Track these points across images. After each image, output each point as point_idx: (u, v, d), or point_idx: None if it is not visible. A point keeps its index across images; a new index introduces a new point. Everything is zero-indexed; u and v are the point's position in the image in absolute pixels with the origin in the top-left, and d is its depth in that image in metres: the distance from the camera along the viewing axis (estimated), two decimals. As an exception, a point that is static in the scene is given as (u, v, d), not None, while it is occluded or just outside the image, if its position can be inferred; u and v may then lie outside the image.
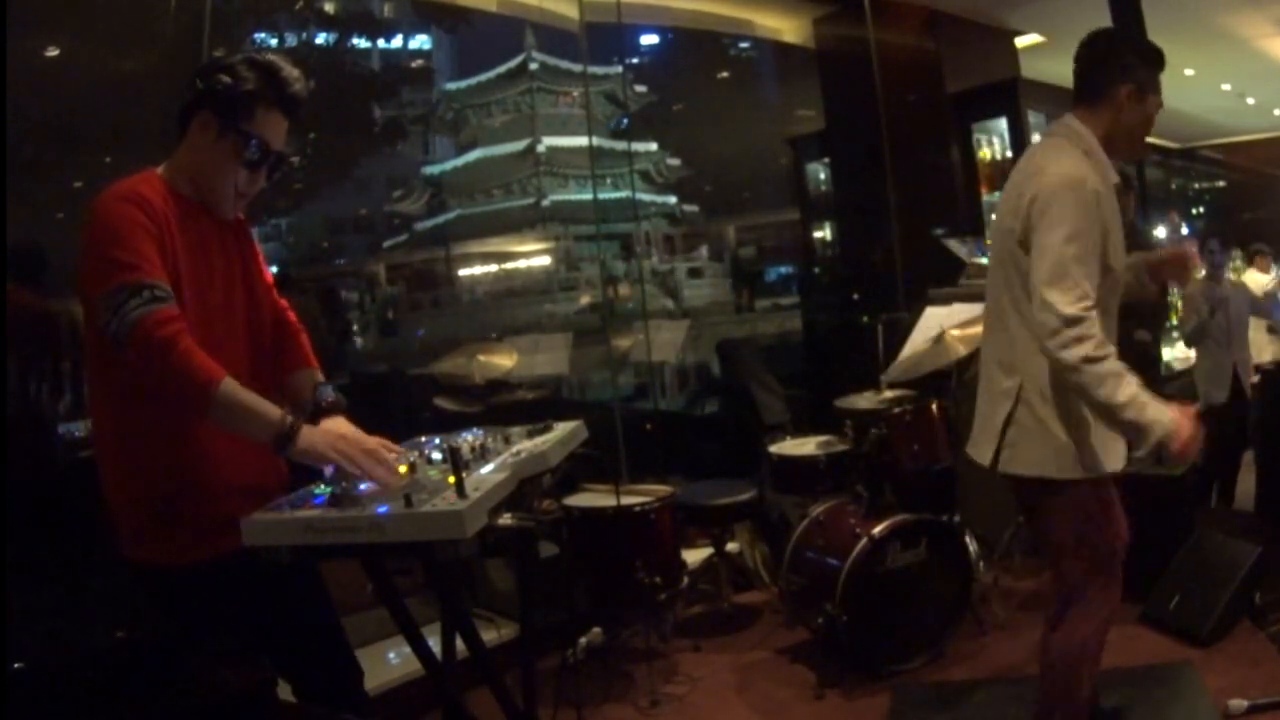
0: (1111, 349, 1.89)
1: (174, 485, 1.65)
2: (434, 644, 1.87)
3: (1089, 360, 1.85)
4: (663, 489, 3.16)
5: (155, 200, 1.63)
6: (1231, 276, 5.22)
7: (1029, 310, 1.97)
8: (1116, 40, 2.15)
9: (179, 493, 1.65)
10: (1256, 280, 5.90)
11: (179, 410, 1.61)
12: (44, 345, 3.22)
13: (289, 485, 1.81)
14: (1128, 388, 1.85)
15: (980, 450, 2.16)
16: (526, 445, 1.92)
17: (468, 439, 1.98)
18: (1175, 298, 6.88)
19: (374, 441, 1.71)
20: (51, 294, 3.36)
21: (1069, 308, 1.86)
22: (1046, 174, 2.00)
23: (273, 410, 1.60)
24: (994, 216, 2.28)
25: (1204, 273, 4.76)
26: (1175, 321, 6.73)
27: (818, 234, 6.30)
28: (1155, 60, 2.10)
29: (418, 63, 30.63)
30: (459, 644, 2.04)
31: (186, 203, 1.72)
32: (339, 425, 1.75)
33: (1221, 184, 12.30)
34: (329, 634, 1.89)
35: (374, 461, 1.65)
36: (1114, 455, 2.06)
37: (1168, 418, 1.84)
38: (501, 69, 30.86)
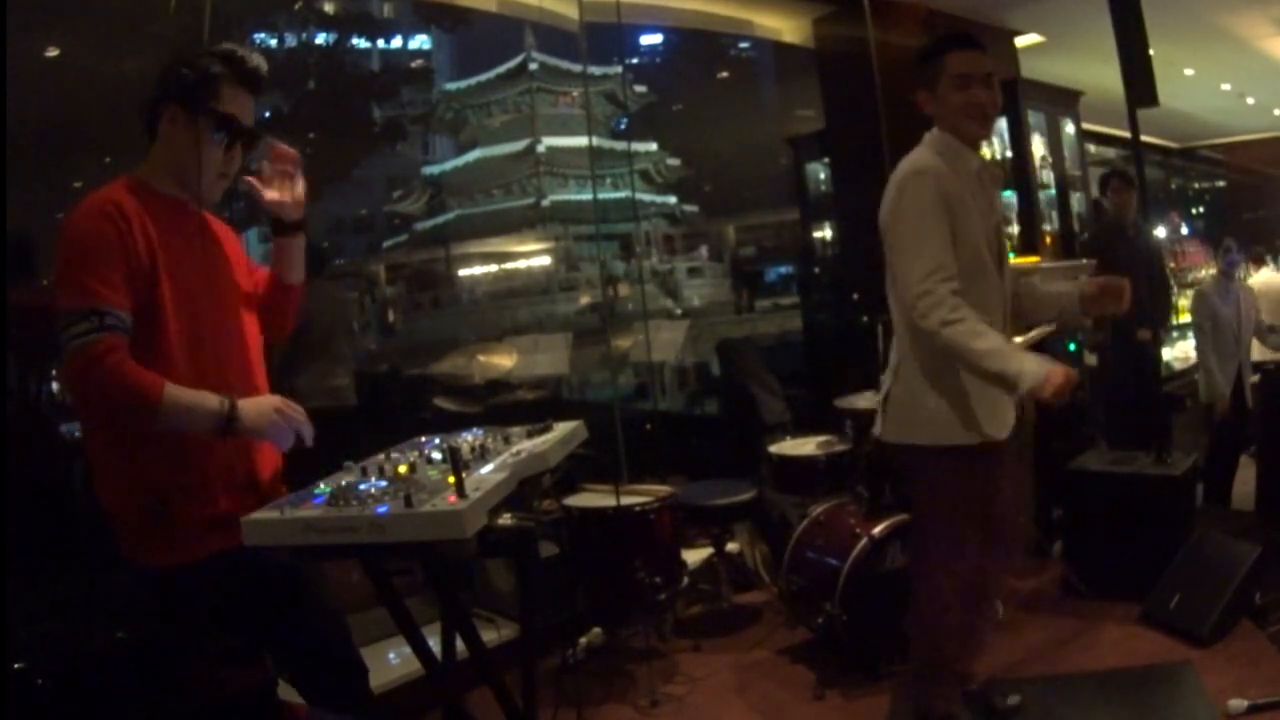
0: (967, 311, 2.03)
1: (169, 485, 1.66)
2: (434, 644, 1.87)
3: (946, 323, 2.01)
4: (663, 489, 3.16)
5: (129, 206, 1.66)
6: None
7: (896, 294, 2.19)
8: (913, 62, 2.29)
9: (174, 492, 1.66)
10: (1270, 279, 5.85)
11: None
12: (42, 343, 3.21)
13: (283, 478, 1.83)
14: (987, 340, 2.01)
15: (876, 424, 2.35)
16: (526, 445, 1.92)
17: (468, 439, 1.98)
18: (1179, 297, 6.90)
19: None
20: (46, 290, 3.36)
21: (922, 283, 2.04)
22: (895, 172, 2.21)
23: (210, 399, 1.64)
24: None
25: (1215, 271, 4.77)
26: (1177, 321, 6.74)
27: (818, 234, 6.29)
28: (936, 50, 2.24)
29: (418, 63, 30.66)
30: (459, 644, 2.04)
31: (168, 201, 1.75)
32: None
33: (1221, 184, 12.29)
34: (331, 631, 1.90)
35: (298, 423, 1.72)
36: (977, 428, 2.17)
37: (1032, 366, 1.97)
38: (501, 69, 30.90)
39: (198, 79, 1.71)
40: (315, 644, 1.85)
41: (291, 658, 1.82)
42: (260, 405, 1.70)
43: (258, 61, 1.80)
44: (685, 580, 3.17)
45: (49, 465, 3.12)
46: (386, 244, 30.59)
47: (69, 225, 1.62)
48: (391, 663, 2.97)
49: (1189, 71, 7.12)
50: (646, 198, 29.34)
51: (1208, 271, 6.71)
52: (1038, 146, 5.46)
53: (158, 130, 1.76)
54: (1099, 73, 5.30)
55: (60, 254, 1.62)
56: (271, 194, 1.89)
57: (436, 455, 1.83)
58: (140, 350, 1.62)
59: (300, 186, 1.91)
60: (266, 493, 1.75)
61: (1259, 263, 6.15)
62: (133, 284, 1.63)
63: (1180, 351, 6.68)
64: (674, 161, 30.84)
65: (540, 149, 29.92)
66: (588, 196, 27.34)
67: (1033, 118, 5.33)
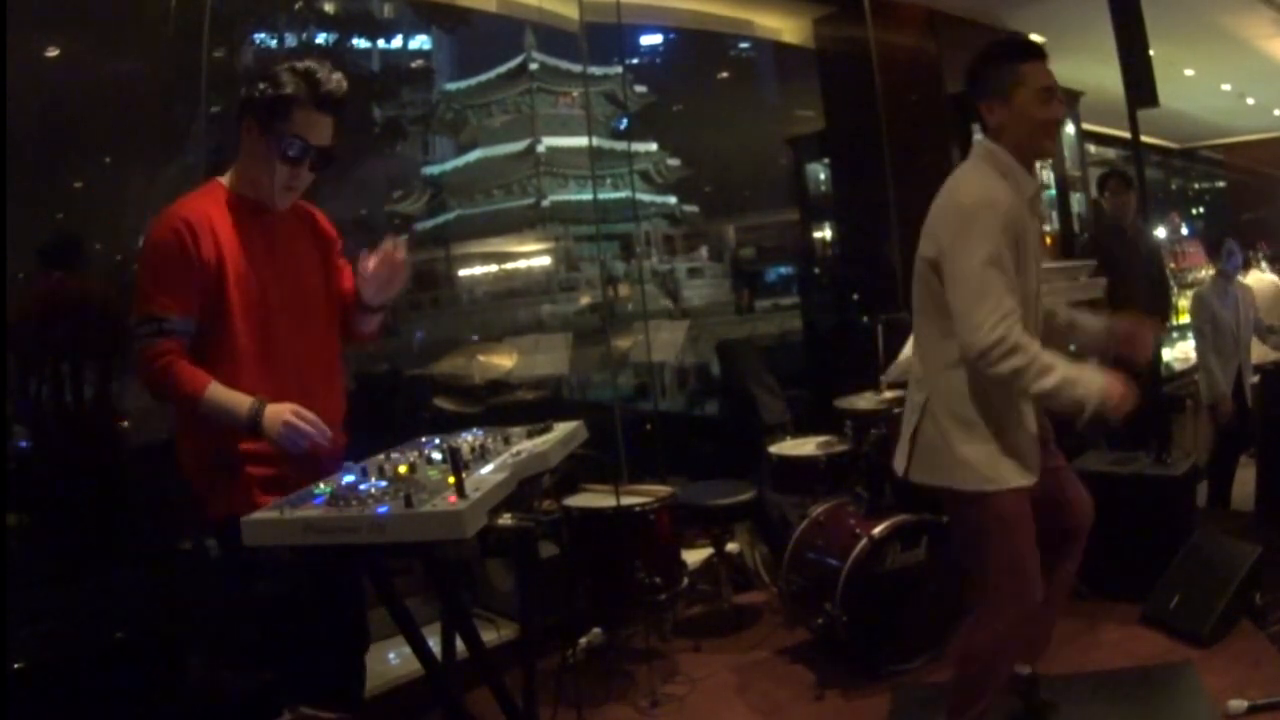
0: (1035, 347, 1.98)
1: (232, 449, 1.88)
2: (434, 644, 1.87)
3: (1019, 372, 1.96)
4: (662, 489, 3.16)
5: (200, 214, 1.85)
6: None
7: (935, 329, 2.12)
8: (975, 63, 2.19)
9: (236, 454, 1.88)
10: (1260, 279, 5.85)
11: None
12: (80, 339, 3.23)
13: (342, 453, 1.97)
14: (1056, 374, 1.95)
15: (897, 460, 2.27)
16: (526, 445, 1.92)
17: (468, 439, 1.98)
18: (1179, 297, 6.90)
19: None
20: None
21: (995, 331, 1.94)
22: (959, 195, 2.08)
23: (243, 403, 1.84)
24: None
25: (1213, 273, 4.77)
26: (1177, 321, 6.74)
27: (818, 234, 6.29)
28: (1012, 57, 2.12)
29: (418, 63, 30.58)
30: (459, 644, 2.04)
31: (249, 203, 1.94)
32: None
33: (1221, 184, 12.29)
34: (352, 593, 2.03)
35: (306, 433, 1.85)
36: (1018, 472, 2.11)
37: (1098, 385, 1.95)
38: (501, 69, 30.84)
39: (273, 99, 1.87)
40: (336, 599, 1.98)
41: (311, 608, 1.95)
42: (274, 413, 1.84)
43: (333, 86, 1.94)
44: (685, 580, 3.17)
45: (54, 464, 3.12)
46: (387, 244, 30.48)
47: (148, 235, 1.87)
48: (391, 663, 2.97)
49: (1189, 71, 7.11)
50: (646, 198, 29.27)
51: (1207, 272, 6.71)
52: (1038, 147, 5.45)
53: (241, 139, 1.93)
54: (1099, 73, 5.30)
55: (139, 262, 1.89)
56: (367, 283, 2.05)
57: (436, 455, 1.83)
58: (210, 351, 1.86)
59: (396, 287, 2.10)
60: (325, 467, 1.87)
61: (1247, 266, 6.14)
62: (199, 291, 1.84)
63: (1180, 351, 6.67)
64: (674, 161, 30.76)
65: (540, 149, 29.87)
66: (588, 196, 27.29)
67: (1033, 118, 5.33)
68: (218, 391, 1.84)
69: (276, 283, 1.96)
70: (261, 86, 1.88)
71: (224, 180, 1.97)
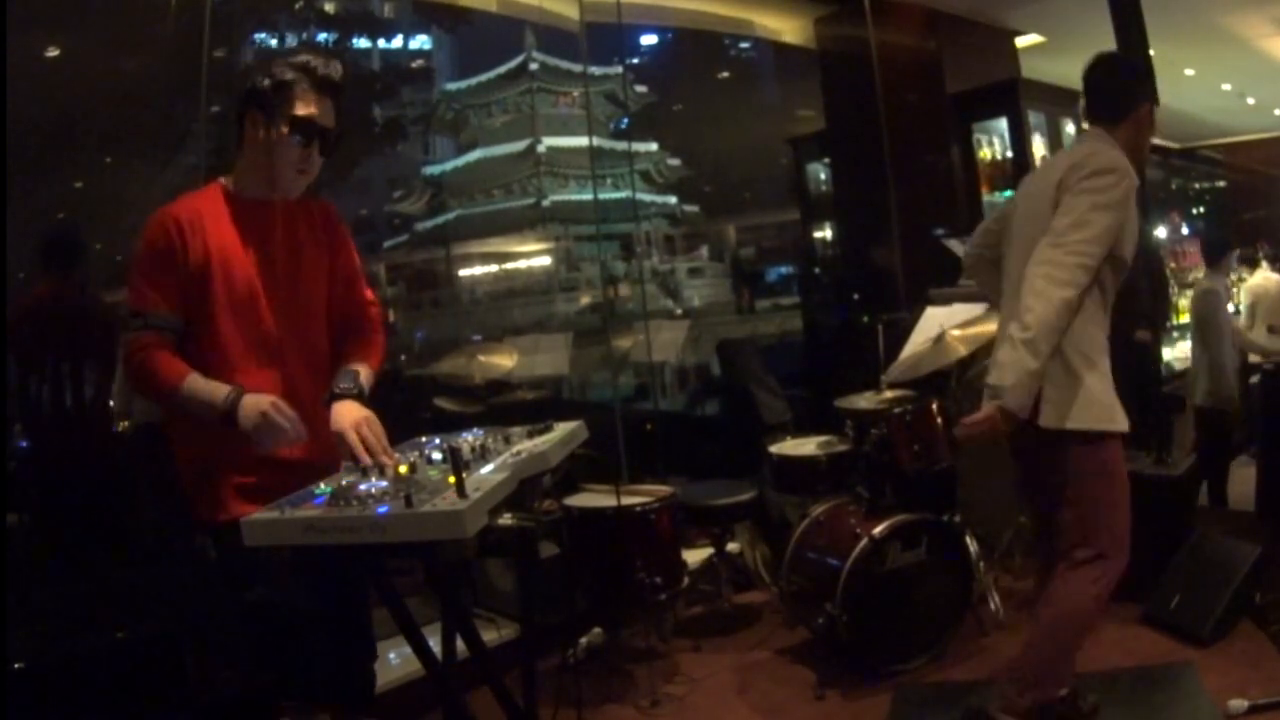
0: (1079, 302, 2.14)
1: (212, 456, 1.90)
2: (434, 644, 1.87)
3: (1056, 304, 2.10)
4: (663, 489, 3.16)
5: (192, 212, 1.89)
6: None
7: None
8: (1139, 62, 2.34)
9: (217, 462, 1.89)
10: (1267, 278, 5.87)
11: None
12: (78, 341, 3.24)
13: (334, 462, 1.89)
14: (1041, 344, 2.10)
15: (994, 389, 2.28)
16: (527, 445, 1.92)
17: (468, 439, 1.98)
18: (1177, 297, 6.89)
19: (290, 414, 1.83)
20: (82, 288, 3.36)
21: (1077, 264, 2.12)
22: (1104, 155, 2.22)
23: (219, 393, 1.83)
24: (1023, 190, 2.49)
25: (1213, 270, 4.79)
26: (1177, 321, 6.73)
27: (818, 234, 6.28)
28: (1151, 89, 2.39)
29: (418, 63, 30.65)
30: (459, 644, 2.04)
31: (249, 204, 1.96)
32: (346, 409, 1.89)
33: (1221, 184, 12.27)
34: (353, 602, 2.01)
35: (282, 428, 1.80)
36: (1124, 416, 2.26)
37: (1022, 388, 2.10)
38: (501, 69, 30.87)
39: (274, 85, 1.91)
40: (332, 613, 1.95)
41: (310, 621, 1.94)
42: (252, 402, 1.81)
43: (329, 69, 1.96)
44: (685, 580, 3.17)
45: (50, 464, 3.12)
46: (387, 244, 30.54)
47: (142, 231, 1.90)
48: (391, 663, 2.97)
49: (1189, 71, 7.11)
50: (647, 198, 29.29)
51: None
52: (1038, 146, 5.45)
53: (244, 137, 1.96)
54: (1099, 73, 5.29)
55: (132, 257, 1.92)
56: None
57: (436, 455, 1.83)
58: (199, 350, 1.89)
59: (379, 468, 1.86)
60: (309, 474, 1.82)
61: (1254, 265, 6.15)
62: (185, 289, 1.87)
63: (1180, 351, 6.65)
64: (674, 161, 30.80)
65: (540, 149, 29.90)
66: (588, 196, 27.32)
67: (1033, 118, 5.32)
68: (196, 382, 1.84)
69: (271, 282, 1.97)
70: (260, 79, 1.93)
71: (225, 181, 2.00)
